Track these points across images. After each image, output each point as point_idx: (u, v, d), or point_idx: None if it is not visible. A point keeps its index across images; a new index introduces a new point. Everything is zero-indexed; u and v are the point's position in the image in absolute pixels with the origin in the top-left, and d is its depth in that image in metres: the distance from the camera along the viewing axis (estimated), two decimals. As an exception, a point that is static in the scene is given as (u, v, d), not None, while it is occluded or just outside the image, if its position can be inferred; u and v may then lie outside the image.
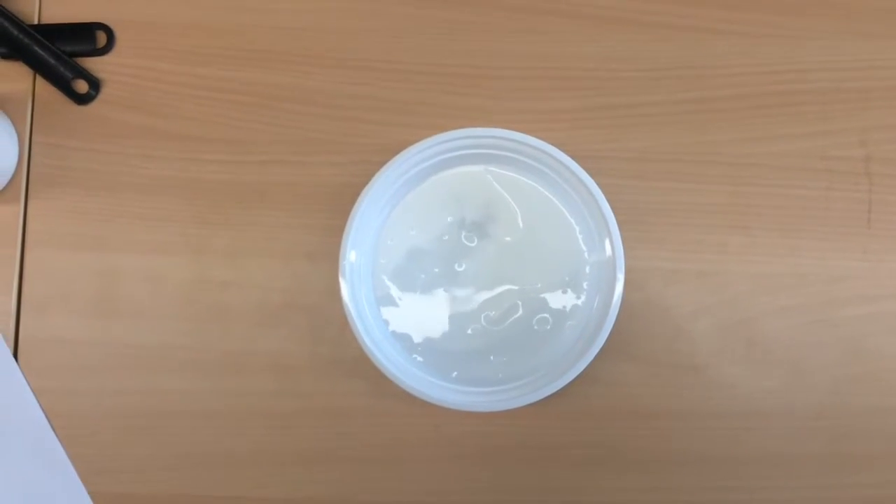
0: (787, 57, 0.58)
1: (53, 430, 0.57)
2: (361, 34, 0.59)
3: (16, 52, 0.58)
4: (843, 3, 0.59)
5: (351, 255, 0.53)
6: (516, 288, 0.55)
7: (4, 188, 0.58)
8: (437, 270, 0.56)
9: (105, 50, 0.59)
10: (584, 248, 0.55)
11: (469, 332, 0.55)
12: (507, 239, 0.55)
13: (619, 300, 0.52)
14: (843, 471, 0.56)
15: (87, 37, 0.59)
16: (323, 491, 0.57)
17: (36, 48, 0.58)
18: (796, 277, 0.57)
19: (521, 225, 0.56)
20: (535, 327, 0.55)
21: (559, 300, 0.55)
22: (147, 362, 0.57)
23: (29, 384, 0.57)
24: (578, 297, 0.55)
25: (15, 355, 0.57)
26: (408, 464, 0.57)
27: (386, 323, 0.55)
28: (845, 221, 0.57)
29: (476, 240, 0.56)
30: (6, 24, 0.57)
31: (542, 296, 0.55)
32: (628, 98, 0.58)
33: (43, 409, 0.57)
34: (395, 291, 0.56)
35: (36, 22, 0.59)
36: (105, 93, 0.59)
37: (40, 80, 0.59)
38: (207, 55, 0.59)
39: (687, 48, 0.58)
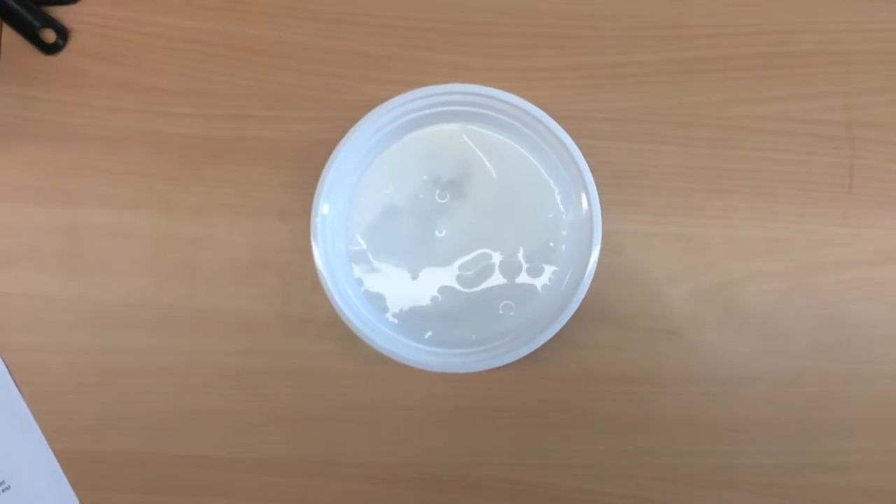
0: (772, 18, 0.57)
1: (17, 386, 0.56)
2: (339, -13, 0.57)
3: (-20, -3, 0.56)
4: (830, -35, 0.58)
5: (324, 211, 0.52)
6: (491, 249, 0.54)
7: (-33, 139, 0.56)
8: (412, 229, 0.54)
9: (73, -1, 0.58)
10: (561, 209, 0.54)
11: (443, 292, 0.54)
12: (484, 199, 0.54)
13: (596, 263, 0.51)
14: (819, 437, 0.56)
15: (56, -16, 0.57)
16: (291, 451, 0.56)
17: (1, -6, 0.56)
18: (775, 242, 0.56)
19: (497, 185, 0.54)
20: (510, 289, 0.54)
21: (535, 261, 0.54)
22: (113, 319, 0.56)
23: (-9, 340, 0.56)
24: (554, 260, 0.54)
25: (-23, 310, 0.56)
26: (379, 425, 0.56)
27: (359, 283, 0.54)
28: (826, 186, 0.56)
29: (452, 199, 0.55)
30: (-30, -32, 0.56)
31: (518, 257, 0.54)
32: (610, 58, 0.57)
33: (7, 366, 0.56)
34: (368, 250, 0.55)
35: (1, -33, 0.57)
36: (73, 43, 0.57)
37: (6, 29, 0.57)
38: (180, 5, 0.57)
39: (671, 7, 0.57)
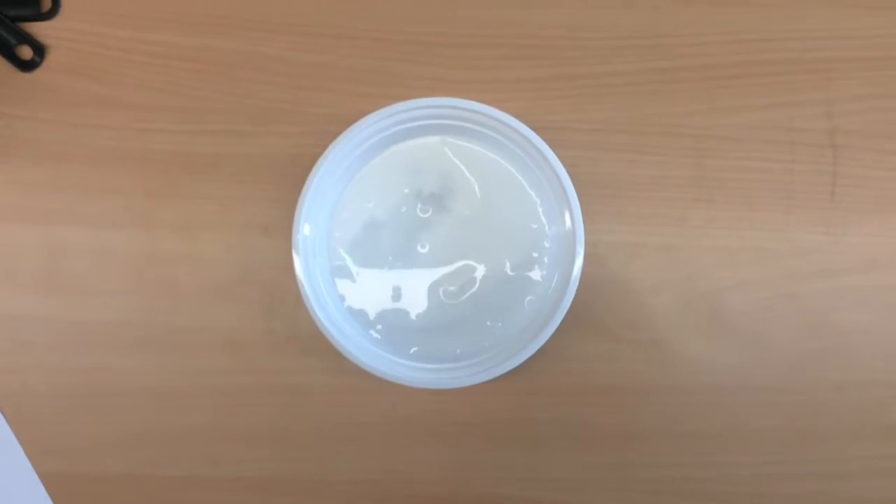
0: (753, 26, 0.57)
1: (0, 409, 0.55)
2: (317, 1, 0.57)
3: (-45, 16, 0.56)
4: (811, -29, 0.58)
5: (305, 229, 0.52)
6: (475, 262, 0.54)
7: (-55, 158, 0.56)
8: (394, 244, 0.54)
9: (50, 14, 0.57)
10: (544, 221, 0.54)
11: (427, 307, 0.54)
12: (466, 212, 0.54)
13: (579, 274, 0.51)
14: (805, 445, 0.56)
15: (32, 0, 0.57)
16: (277, 469, 0.56)
17: (-24, 12, 0.55)
18: (759, 251, 0.56)
19: (479, 197, 0.54)
20: (494, 302, 0.54)
21: (518, 274, 0.54)
22: (95, 339, 0.55)
23: (-27, 361, 0.55)
24: (538, 272, 0.54)
25: (-42, 332, 0.55)
26: (364, 442, 0.56)
27: (342, 298, 0.54)
28: (809, 194, 0.56)
29: (434, 212, 0.54)
30: (-56, -14, 0.55)
31: (502, 270, 0.54)
32: (590, 68, 0.56)
33: (-12, 387, 0.55)
34: (351, 265, 0.54)
35: (-24, -15, 0.57)
36: (50, 59, 0.57)
37: (-18, 46, 0.57)
38: (158, 20, 0.57)
39: (652, 17, 0.57)
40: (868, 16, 0.57)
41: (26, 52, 0.56)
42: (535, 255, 0.54)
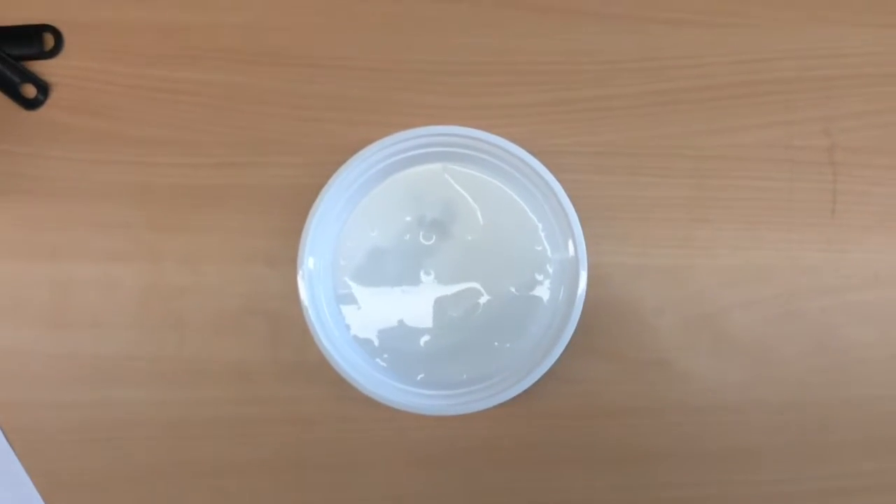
0: (750, 46, 0.57)
1: (10, 445, 0.55)
2: (316, 31, 0.57)
3: (-41, 56, 0.56)
4: (805, -10, 0.58)
5: (309, 259, 0.52)
6: (479, 287, 0.54)
7: (-49, 197, 0.56)
8: (398, 271, 0.54)
9: (53, 52, 0.58)
10: (546, 245, 0.54)
11: (432, 333, 0.54)
12: (469, 238, 0.55)
13: (583, 297, 0.51)
14: (812, 463, 0.56)
15: (35, 39, 0.57)
16: (289, 498, 0.56)
17: (-20, 52, 0.56)
18: (761, 270, 0.56)
19: (481, 223, 0.55)
20: (499, 327, 0.54)
21: (523, 298, 0.54)
22: (103, 373, 0.56)
23: (-18, 399, 0.55)
24: (542, 295, 0.54)
25: (-33, 369, 0.56)
26: (373, 469, 0.56)
27: (348, 327, 0.54)
28: (810, 212, 0.57)
29: (437, 239, 0.55)
30: (-52, 28, 0.56)
31: (506, 294, 0.54)
32: (589, 91, 0.57)
33: (-2, 424, 0.55)
34: (356, 293, 0.55)
35: (-20, 25, 0.58)
36: (54, 97, 0.57)
37: (-14, 85, 0.57)
38: (159, 56, 0.57)
39: (648, 39, 0.57)
40: (864, 33, 0.57)
41: (30, 91, 0.57)
42: (538, 278, 0.54)
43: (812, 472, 0.56)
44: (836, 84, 0.57)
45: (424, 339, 0.54)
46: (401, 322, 0.54)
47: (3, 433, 0.55)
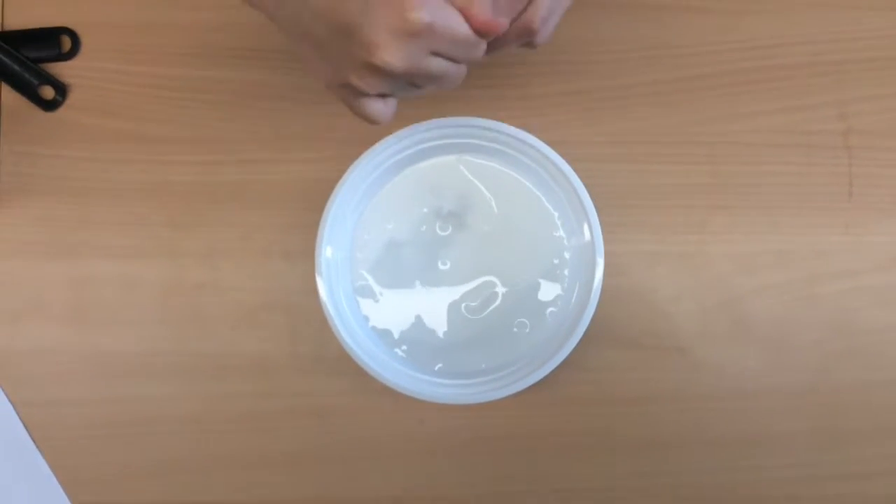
0: (763, 32, 0.57)
1: (34, 441, 0.56)
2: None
3: (-22, 59, 0.57)
4: (816, -24, 0.58)
5: (327, 252, 0.53)
6: (496, 277, 0.55)
7: (-27, 199, 0.57)
8: (415, 262, 0.55)
9: (70, 54, 0.58)
10: (562, 234, 0.55)
11: (450, 323, 0.55)
12: (485, 228, 0.55)
13: (600, 285, 0.51)
14: (831, 447, 0.56)
15: (52, 42, 0.58)
16: (309, 491, 0.56)
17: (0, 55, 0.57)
18: (778, 255, 0.56)
19: (497, 213, 0.55)
20: (516, 317, 0.54)
21: (540, 287, 0.54)
22: (125, 369, 0.56)
23: (7, 396, 0.56)
24: (559, 284, 0.54)
25: (-9, 367, 0.56)
26: (394, 460, 0.56)
27: (366, 318, 0.55)
28: (826, 196, 0.56)
29: (454, 230, 0.55)
30: (-33, 31, 0.57)
31: (523, 284, 0.54)
32: (603, 81, 0.57)
33: (22, 421, 0.56)
34: (374, 286, 0.55)
35: (-2, 29, 0.58)
36: (72, 98, 0.58)
37: (5, 88, 0.58)
38: (175, 55, 0.58)
39: (661, 28, 0.57)
40: (874, 17, 0.57)
41: (48, 92, 0.58)
42: (555, 267, 0.54)
43: (829, 457, 0.56)
44: (850, 68, 0.57)
45: (442, 329, 0.55)
46: (419, 313, 0.55)
47: (27, 430, 0.56)
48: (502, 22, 0.41)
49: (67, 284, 0.57)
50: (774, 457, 0.56)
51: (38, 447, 0.56)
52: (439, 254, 0.55)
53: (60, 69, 0.58)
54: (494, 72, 0.57)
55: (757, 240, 0.56)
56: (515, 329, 0.54)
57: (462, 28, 0.40)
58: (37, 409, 0.56)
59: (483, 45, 0.42)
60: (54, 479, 0.56)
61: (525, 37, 0.44)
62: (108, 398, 0.56)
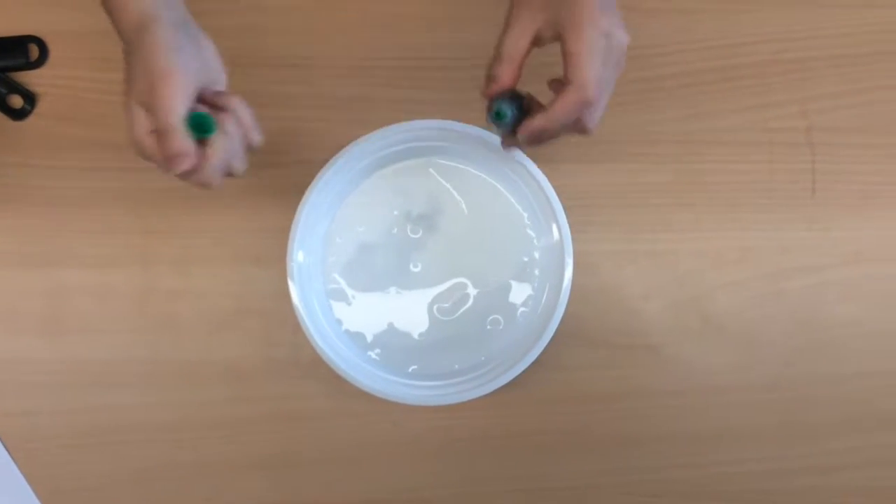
0: (723, 32, 0.58)
1: (8, 452, 0.56)
2: (300, 33, 0.58)
3: (-55, 70, 0.57)
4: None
5: (299, 256, 0.53)
6: (467, 279, 0.55)
7: (-57, 210, 0.57)
8: (387, 265, 0.55)
9: (39, 63, 0.58)
10: (532, 234, 0.55)
11: (423, 325, 0.55)
12: (456, 230, 0.55)
13: (570, 285, 0.52)
14: (804, 440, 0.57)
15: (20, 50, 0.58)
16: (285, 495, 0.57)
17: (-34, 65, 0.57)
18: (745, 251, 0.57)
19: (467, 215, 0.55)
20: (488, 317, 0.55)
21: (511, 288, 0.55)
22: (99, 377, 0.56)
23: (-20, 407, 0.56)
24: (529, 284, 0.55)
25: (-36, 379, 0.56)
26: (369, 463, 0.57)
27: (339, 322, 0.55)
28: (790, 193, 0.57)
29: (425, 232, 0.55)
30: (-67, 42, 0.56)
31: (494, 285, 0.55)
32: (568, 82, 0.57)
33: (-3, 432, 0.56)
34: (346, 289, 0.55)
35: (-35, 39, 0.58)
36: (41, 106, 0.58)
37: (-27, 98, 0.58)
38: (144, 62, 0.58)
39: (624, 29, 0.58)
40: (835, 15, 0.58)
41: (17, 101, 0.57)
42: (525, 268, 0.55)
43: (798, 451, 0.57)
44: (811, 66, 0.58)
45: (416, 331, 0.55)
46: (391, 316, 0.55)
47: (1, 440, 0.56)
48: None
49: (40, 294, 0.57)
50: (744, 451, 0.57)
51: (11, 457, 0.56)
52: (411, 256, 0.55)
53: (29, 78, 0.58)
54: (460, 75, 0.57)
55: (723, 236, 0.57)
56: (488, 329, 0.55)
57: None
58: (11, 419, 0.56)
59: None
60: (29, 489, 0.56)
61: (578, 132, 0.46)
62: (82, 407, 0.56)
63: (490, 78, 0.45)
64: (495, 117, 0.46)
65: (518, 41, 0.44)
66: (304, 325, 0.52)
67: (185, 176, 0.45)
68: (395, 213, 0.55)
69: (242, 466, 0.56)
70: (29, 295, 0.57)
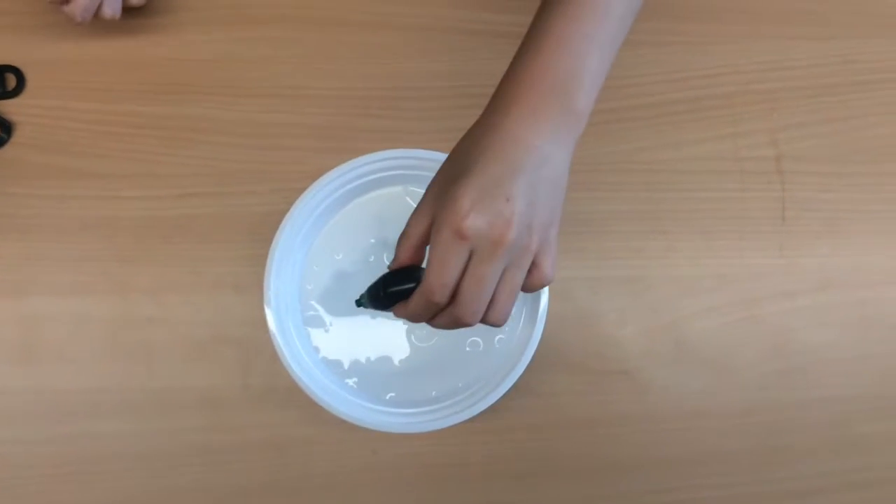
0: (693, 63, 0.59)
1: (-19, 482, 0.55)
2: (276, 62, 0.59)
3: (-79, 98, 0.57)
4: (745, 7, 0.60)
5: (275, 285, 0.53)
6: (444, 306, 0.55)
7: (-84, 238, 0.57)
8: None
9: (15, 92, 0.58)
10: (508, 262, 0.55)
11: (400, 352, 0.55)
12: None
13: (545, 311, 0.53)
14: (776, 464, 0.57)
15: (-4, 80, 0.58)
16: (262, 525, 0.56)
17: (-58, 94, 0.57)
18: (717, 278, 0.58)
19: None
20: (465, 344, 0.55)
21: (487, 315, 0.55)
22: (74, 407, 0.56)
23: (-48, 438, 0.55)
24: (506, 311, 0.55)
25: (-64, 409, 0.56)
26: (348, 490, 0.56)
27: (316, 350, 0.55)
28: (761, 220, 0.58)
29: (401, 260, 0.56)
30: None
31: (470, 312, 0.55)
32: (543, 111, 0.58)
33: (-31, 463, 0.55)
34: (324, 315, 0.55)
35: (-59, 67, 0.58)
36: (18, 135, 0.58)
37: (-51, 126, 0.58)
38: (121, 91, 0.59)
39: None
40: (803, 47, 0.60)
41: (-7, 130, 0.58)
42: (502, 295, 0.55)
43: (773, 475, 0.57)
44: (780, 96, 0.59)
45: (393, 358, 0.55)
46: (369, 343, 0.55)
47: (-26, 471, 0.55)
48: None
49: (14, 322, 0.56)
50: (718, 476, 0.57)
51: (-15, 488, 0.55)
52: (388, 284, 0.55)
53: (5, 107, 0.58)
54: (435, 105, 0.58)
55: (695, 263, 0.58)
56: (467, 352, 0.55)
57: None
58: (-16, 449, 0.56)
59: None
60: (2, 521, 0.55)
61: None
62: (56, 437, 0.56)
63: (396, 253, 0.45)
64: (356, 303, 0.48)
65: (416, 224, 0.44)
66: (280, 352, 0.52)
67: (54, 2, 0.50)
68: (372, 240, 0.56)
69: (219, 496, 0.56)
70: (2, 323, 0.56)
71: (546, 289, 0.53)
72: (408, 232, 0.44)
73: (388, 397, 0.55)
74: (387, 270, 0.46)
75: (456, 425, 0.53)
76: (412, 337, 0.55)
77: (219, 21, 0.59)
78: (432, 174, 0.54)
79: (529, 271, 0.43)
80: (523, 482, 0.57)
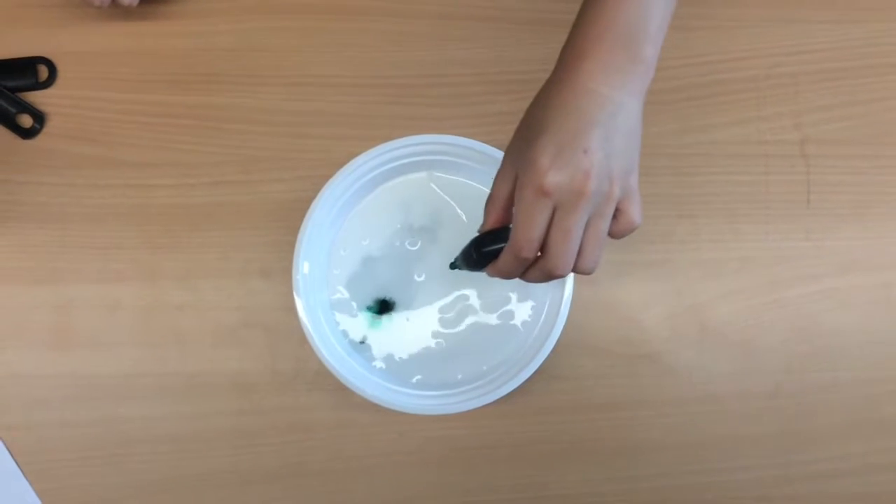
0: (718, 47, 0.59)
1: (19, 466, 0.56)
2: (302, 51, 0.59)
3: (-44, 90, 0.58)
4: (768, -9, 0.60)
5: (304, 269, 0.54)
6: (469, 290, 0.56)
7: (-47, 227, 0.58)
8: (391, 277, 0.56)
9: (48, 83, 0.59)
10: (533, 246, 0.56)
11: (427, 336, 0.56)
12: (457, 242, 0.55)
13: (571, 296, 0.53)
14: (802, 447, 0.58)
15: (29, 71, 0.59)
16: (291, 506, 0.57)
17: (-24, 85, 0.58)
18: (742, 261, 0.58)
19: (468, 228, 0.56)
20: (491, 327, 0.56)
21: (512, 299, 0.56)
22: (107, 391, 0.57)
23: (-10, 421, 0.57)
24: (531, 296, 0.56)
25: (-27, 394, 0.57)
26: (375, 473, 0.57)
27: (344, 333, 0.56)
28: (786, 203, 0.58)
29: (427, 245, 0.56)
30: (-55, 63, 0.58)
31: (496, 296, 0.56)
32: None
33: (6, 447, 0.56)
34: (351, 300, 0.56)
35: (-25, 59, 0.59)
36: (50, 125, 0.59)
37: (-17, 117, 0.59)
38: (150, 81, 0.59)
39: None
40: (826, 29, 0.60)
41: (26, 121, 0.59)
42: (527, 279, 0.56)
43: (799, 457, 0.57)
44: (804, 80, 0.59)
45: (419, 341, 0.56)
46: (395, 326, 0.56)
47: (11, 455, 0.56)
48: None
49: (49, 309, 0.57)
50: (745, 458, 0.57)
51: (22, 471, 0.56)
52: (414, 267, 0.56)
53: (38, 98, 0.59)
54: (460, 91, 0.59)
55: (720, 247, 0.58)
56: (491, 339, 0.56)
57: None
58: (19, 432, 0.57)
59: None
60: (39, 502, 0.56)
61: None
62: (90, 421, 0.57)
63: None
64: (450, 266, 0.51)
65: (500, 187, 0.45)
66: (309, 337, 0.53)
67: None
68: (398, 226, 0.56)
69: (249, 478, 0.57)
70: (37, 310, 0.57)
71: (571, 274, 0.53)
72: (493, 195, 0.46)
73: (414, 380, 0.55)
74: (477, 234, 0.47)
75: (481, 408, 0.53)
76: (439, 322, 0.56)
77: (246, 10, 0.60)
78: (456, 159, 0.55)
79: (615, 218, 0.44)
80: (548, 464, 0.57)
